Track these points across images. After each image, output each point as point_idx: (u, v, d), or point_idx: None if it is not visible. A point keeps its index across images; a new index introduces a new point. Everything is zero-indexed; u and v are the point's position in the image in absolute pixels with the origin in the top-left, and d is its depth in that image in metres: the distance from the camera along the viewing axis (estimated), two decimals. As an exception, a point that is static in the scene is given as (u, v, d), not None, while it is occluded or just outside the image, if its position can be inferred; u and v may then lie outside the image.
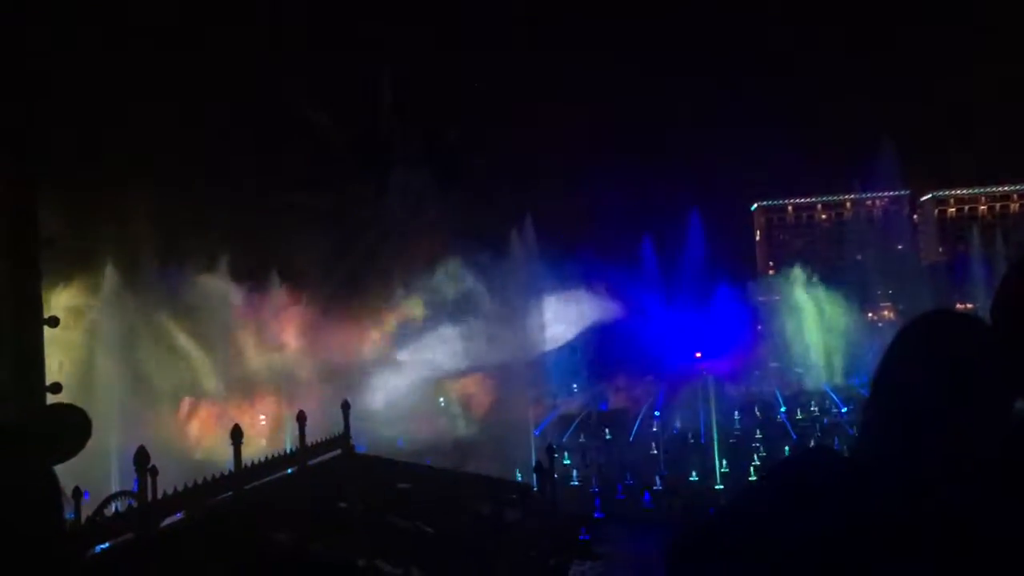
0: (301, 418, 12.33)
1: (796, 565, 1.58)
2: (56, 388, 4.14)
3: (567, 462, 28.64)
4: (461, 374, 39.20)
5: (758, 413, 35.72)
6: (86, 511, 9.44)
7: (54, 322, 4.33)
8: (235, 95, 42.02)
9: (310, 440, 12.75)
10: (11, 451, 3.06)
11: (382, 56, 49.10)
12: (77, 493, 9.94)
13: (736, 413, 35.06)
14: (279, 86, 43.52)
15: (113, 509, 8.89)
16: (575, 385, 40.52)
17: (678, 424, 33.76)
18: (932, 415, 1.67)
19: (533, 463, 16.90)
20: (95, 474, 22.78)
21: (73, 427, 3.16)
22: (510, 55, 44.70)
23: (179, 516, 10.38)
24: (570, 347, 40.60)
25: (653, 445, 30.73)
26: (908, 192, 75.82)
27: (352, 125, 50.29)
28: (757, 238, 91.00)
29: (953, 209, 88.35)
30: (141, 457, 9.01)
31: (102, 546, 9.16)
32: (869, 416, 1.76)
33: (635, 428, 33.61)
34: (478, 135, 47.09)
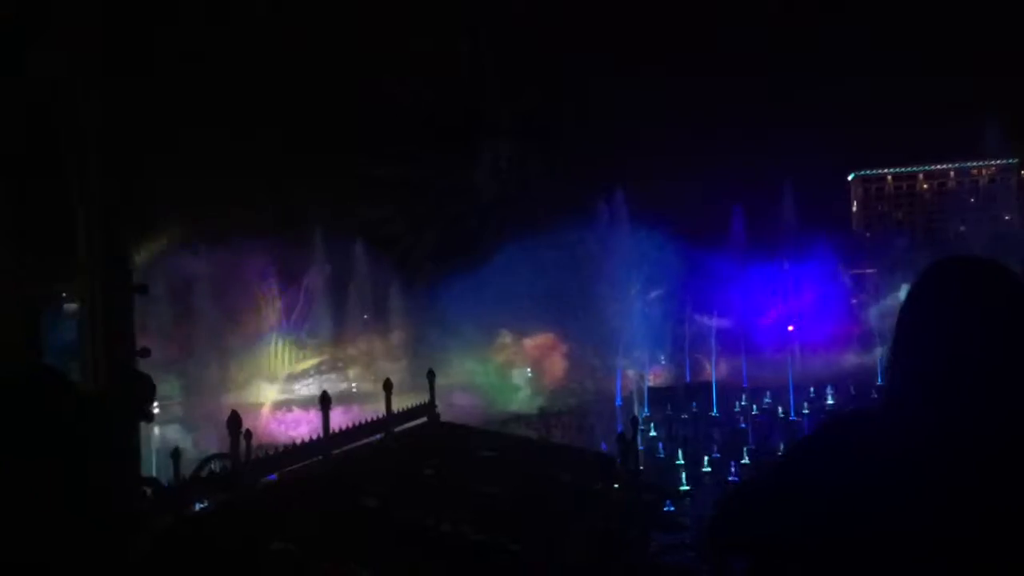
0: (387, 386, 12.63)
1: (838, 531, 1.60)
2: (145, 353, 4.38)
3: (653, 434, 28.61)
4: (533, 334, 39.31)
5: (852, 389, 34.95)
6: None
7: (143, 289, 4.59)
8: (320, 65, 42.65)
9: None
10: (89, 414, 3.27)
11: (475, 22, 48.94)
12: (177, 454, 10.41)
13: (829, 388, 34.40)
14: (368, 56, 43.99)
15: (208, 470, 9.35)
16: (662, 357, 40.31)
17: (768, 398, 33.31)
18: (963, 365, 1.66)
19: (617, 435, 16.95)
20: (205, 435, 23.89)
21: (140, 391, 3.36)
22: (610, 26, 44.19)
23: (272, 478, 10.80)
24: (659, 317, 40.35)
25: (741, 419, 30.43)
26: (1016, 160, 72.47)
27: (444, 94, 50.55)
28: (854, 209, 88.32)
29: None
30: (234, 421, 9.43)
31: (200, 504, 9.65)
32: (894, 375, 1.74)
33: (723, 401, 33.34)
34: (574, 104, 46.78)
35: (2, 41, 5.28)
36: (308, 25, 42.81)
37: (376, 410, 13.26)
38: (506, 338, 39.48)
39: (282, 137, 42.46)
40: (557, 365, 38.60)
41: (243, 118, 40.92)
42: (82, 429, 3.19)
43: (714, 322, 40.24)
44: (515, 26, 48.28)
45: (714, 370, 36.78)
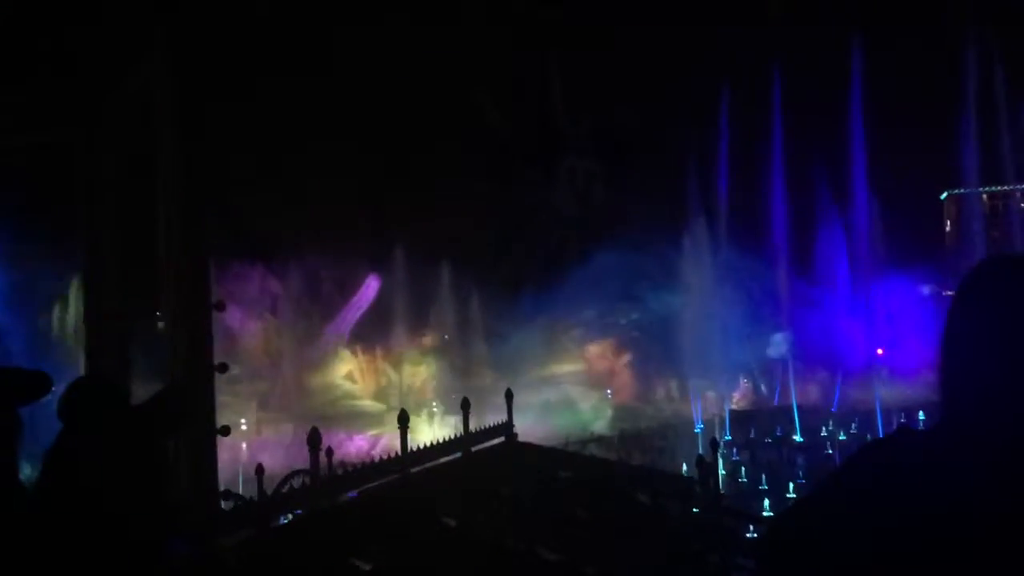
0: (465, 405, 12.66)
1: (894, 550, 1.52)
2: (223, 368, 4.47)
3: (735, 459, 28.05)
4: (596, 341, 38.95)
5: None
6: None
7: (221, 306, 4.69)
8: (400, 83, 43.43)
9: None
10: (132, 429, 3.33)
11: (552, 42, 49.24)
12: (260, 470, 10.59)
13: (921, 414, 33.24)
14: (447, 72, 44.60)
15: (290, 486, 9.49)
16: (744, 379, 39.51)
17: (855, 424, 32.35)
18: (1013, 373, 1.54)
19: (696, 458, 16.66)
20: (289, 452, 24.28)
21: (176, 406, 3.41)
22: (686, 43, 43.82)
23: (353, 495, 10.91)
24: (742, 338, 39.65)
25: (828, 444, 29.62)
26: (1121, 177, 69.16)
27: (522, 113, 50.88)
28: (947, 228, 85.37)
29: None
30: (314, 438, 9.56)
31: (282, 519, 9.82)
32: (947, 388, 1.64)
33: (810, 426, 32.47)
34: (653, 124, 46.59)
35: (107, 59, 5.48)
36: (402, 52, 43.62)
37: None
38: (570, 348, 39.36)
39: (379, 158, 43.38)
40: (625, 382, 38.23)
41: (332, 137, 41.93)
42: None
43: (801, 345, 39.30)
44: (591, 48, 48.44)
45: (793, 393, 35.84)
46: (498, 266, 45.89)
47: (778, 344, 39.74)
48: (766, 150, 41.82)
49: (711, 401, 35.37)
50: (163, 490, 3.43)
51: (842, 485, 1.64)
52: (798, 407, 34.42)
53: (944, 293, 45.30)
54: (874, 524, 1.51)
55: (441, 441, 12.34)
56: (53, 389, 3.36)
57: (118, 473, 3.24)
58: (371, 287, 39.33)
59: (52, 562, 3.01)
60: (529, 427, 19.12)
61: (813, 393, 36.96)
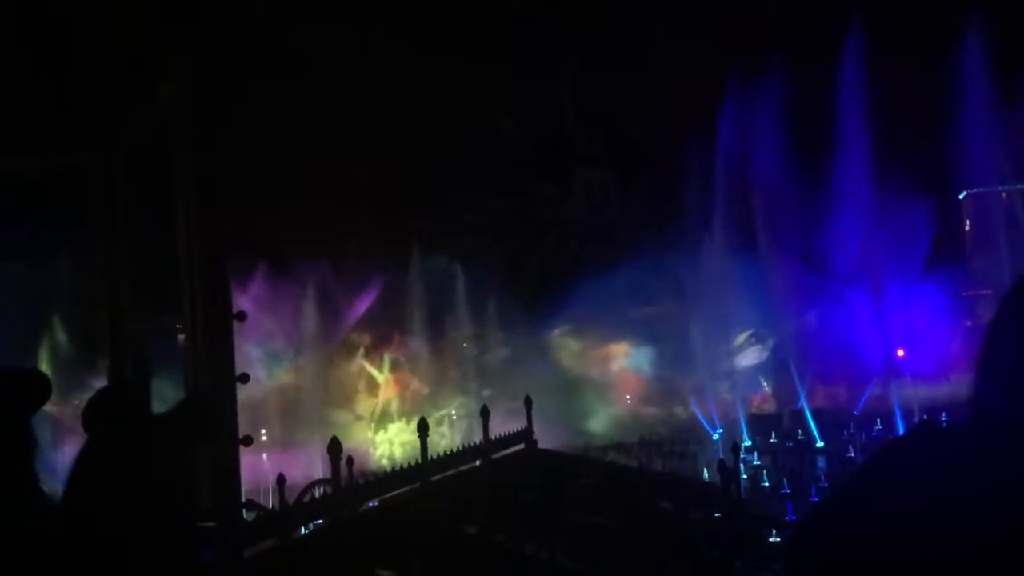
0: (485, 413, 12.68)
1: (923, 547, 1.52)
2: (244, 379, 4.52)
3: (757, 463, 27.88)
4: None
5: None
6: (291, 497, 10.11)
7: (242, 316, 4.74)
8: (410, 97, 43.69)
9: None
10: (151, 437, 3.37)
11: (565, 55, 49.36)
12: (281, 480, 10.64)
13: (943, 415, 32.92)
14: (459, 88, 44.81)
15: (311, 495, 9.54)
16: (764, 383, 39.28)
17: (879, 425, 32.10)
18: None
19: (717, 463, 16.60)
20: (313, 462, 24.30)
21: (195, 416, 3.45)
22: (700, 54, 43.72)
23: (373, 504, 10.95)
24: (758, 341, 39.46)
25: (849, 448, 29.39)
26: None
27: (535, 126, 51.02)
28: (967, 228, 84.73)
29: None
30: (334, 447, 9.59)
31: (304, 530, 9.86)
32: (982, 388, 1.65)
33: (832, 429, 32.24)
34: (666, 136, 46.59)
35: (125, 82, 5.55)
36: (417, 68, 43.89)
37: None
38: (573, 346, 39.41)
39: (389, 168, 43.58)
40: (643, 388, 38.19)
41: (350, 149, 42.19)
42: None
43: (822, 348, 39.03)
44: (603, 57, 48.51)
45: (803, 397, 35.53)
46: (514, 276, 45.97)
47: (801, 347, 39.32)
48: (781, 151, 41.54)
49: (730, 405, 35.22)
50: (190, 499, 3.45)
51: (865, 485, 1.65)
52: (820, 410, 34.18)
53: (964, 294, 44.97)
54: (897, 523, 1.52)
55: (461, 449, 12.36)
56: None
57: (145, 482, 3.27)
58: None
59: (80, 573, 3.03)
60: (549, 434, 19.08)
61: (835, 395, 36.71)
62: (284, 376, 36.23)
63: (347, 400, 37.57)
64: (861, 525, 1.59)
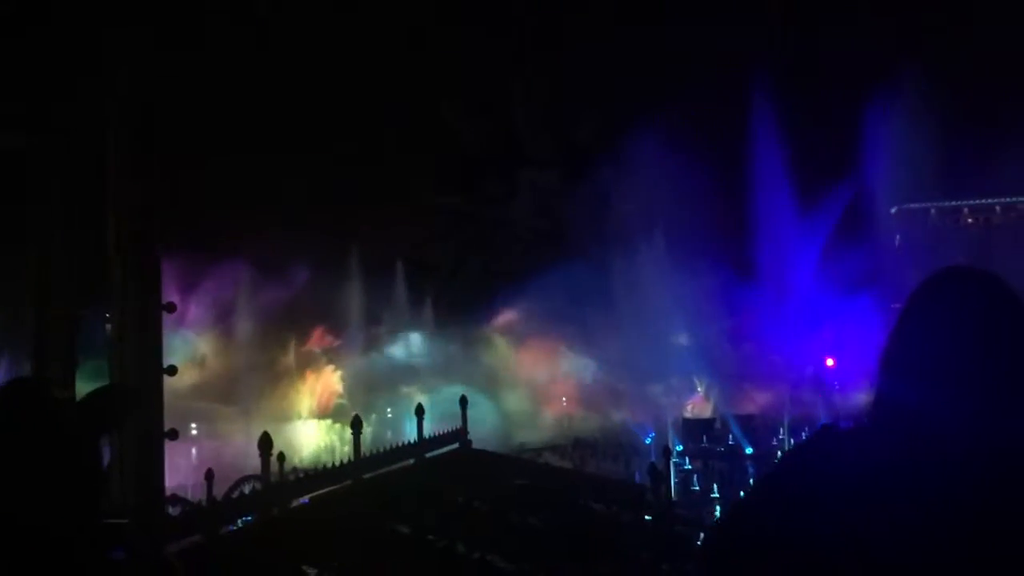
0: (419, 411, 12.62)
1: (831, 550, 1.56)
2: (172, 370, 4.43)
3: (688, 467, 28.25)
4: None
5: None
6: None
7: (171, 308, 4.64)
8: (360, 91, 43.27)
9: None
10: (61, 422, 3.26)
11: (514, 52, 49.35)
12: (210, 475, 10.44)
13: (841, 421, 33.70)
14: (399, 80, 44.54)
15: (239, 492, 9.38)
16: (699, 387, 39.85)
17: (805, 432, 32.76)
18: (957, 376, 1.62)
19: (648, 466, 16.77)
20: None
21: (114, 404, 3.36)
22: (655, 53, 44.13)
23: (304, 501, 10.81)
24: (695, 348, 39.98)
25: (779, 454, 29.95)
26: (1065, 195, 71.03)
27: (482, 123, 50.90)
28: (896, 242, 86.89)
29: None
30: (264, 442, 9.46)
31: (230, 527, 9.68)
32: (883, 388, 1.71)
33: (762, 435, 32.82)
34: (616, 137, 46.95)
35: (59, 65, 5.40)
36: (363, 58, 43.45)
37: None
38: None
39: (333, 161, 43.08)
40: (579, 391, 38.43)
41: (294, 143, 41.63)
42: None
43: (753, 356, 39.72)
44: (561, 60, 48.62)
45: (727, 402, 36.15)
46: (456, 275, 45.87)
47: (733, 354, 39.95)
48: (722, 162, 42.20)
49: (664, 409, 35.61)
50: (95, 494, 3.30)
51: (775, 487, 1.70)
52: (752, 416, 34.74)
53: (892, 306, 46.11)
54: (807, 519, 1.56)
55: (394, 447, 12.28)
56: None
57: (35, 476, 3.10)
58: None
59: None
60: (483, 434, 19.06)
61: (766, 402, 37.37)
62: (211, 365, 35.58)
63: (280, 396, 37.05)
64: (767, 519, 1.63)
